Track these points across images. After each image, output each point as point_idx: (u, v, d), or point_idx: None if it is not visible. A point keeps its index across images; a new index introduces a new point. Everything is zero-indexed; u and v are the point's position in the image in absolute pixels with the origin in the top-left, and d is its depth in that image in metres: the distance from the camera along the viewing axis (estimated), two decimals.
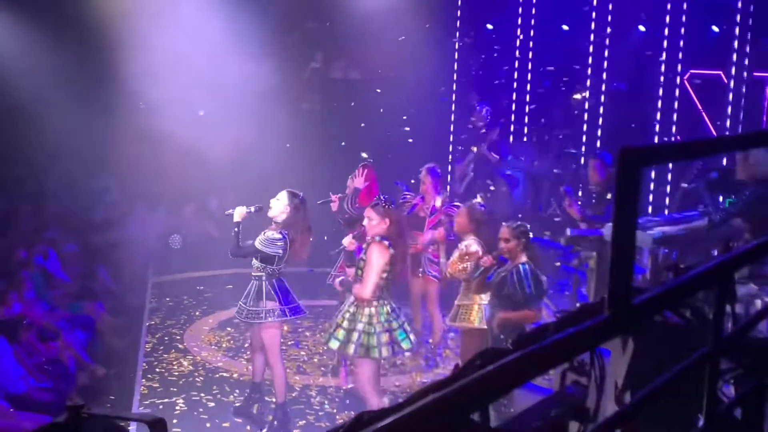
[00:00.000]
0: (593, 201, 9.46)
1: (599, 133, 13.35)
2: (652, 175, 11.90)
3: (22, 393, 7.48)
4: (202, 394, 8.19)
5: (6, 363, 7.55)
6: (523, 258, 6.69)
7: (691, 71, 11.92)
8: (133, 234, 12.89)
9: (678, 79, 12.02)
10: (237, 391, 8.19)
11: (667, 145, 1.92)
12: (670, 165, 11.16)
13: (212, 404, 7.99)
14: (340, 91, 15.50)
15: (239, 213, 7.29)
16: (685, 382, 1.99)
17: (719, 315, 2.08)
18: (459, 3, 15.10)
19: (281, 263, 7.24)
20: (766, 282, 6.96)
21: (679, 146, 1.98)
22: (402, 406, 1.36)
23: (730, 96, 11.28)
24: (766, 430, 2.50)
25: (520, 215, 11.51)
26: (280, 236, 7.14)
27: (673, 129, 12.06)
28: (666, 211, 10.94)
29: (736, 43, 11.25)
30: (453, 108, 15.11)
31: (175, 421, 7.50)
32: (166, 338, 9.74)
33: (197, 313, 10.63)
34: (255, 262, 7.27)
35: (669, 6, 12.02)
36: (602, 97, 13.27)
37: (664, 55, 12.16)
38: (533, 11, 14.47)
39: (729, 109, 11.29)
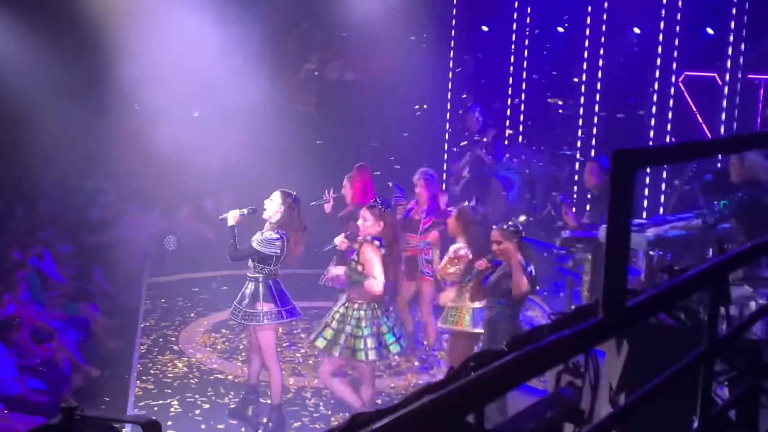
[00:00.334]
0: (588, 206, 9.47)
1: (594, 134, 13.39)
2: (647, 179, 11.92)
3: (16, 394, 7.46)
4: (197, 396, 8.18)
5: (0, 364, 7.54)
6: (519, 257, 6.67)
7: (686, 73, 11.94)
8: (128, 235, 12.88)
9: (673, 81, 12.04)
10: (232, 392, 8.18)
11: (662, 147, 1.92)
12: (665, 167, 11.19)
13: (207, 406, 7.98)
14: (335, 92, 15.51)
15: (233, 217, 7.28)
16: (679, 384, 2.00)
17: (713, 317, 2.09)
18: (455, 4, 15.11)
19: (278, 264, 7.23)
20: (760, 284, 6.98)
21: (673, 148, 1.99)
22: (397, 407, 1.37)
23: (725, 98, 11.31)
24: (761, 431, 2.51)
25: (514, 218, 11.53)
26: (277, 236, 7.13)
27: (668, 131, 12.08)
28: (661, 212, 10.95)
29: (730, 46, 11.28)
30: (448, 108, 15.12)
31: (169, 423, 7.48)
32: (161, 340, 9.73)
33: (192, 315, 10.61)
34: (251, 263, 7.25)
35: (664, 8, 12.05)
36: (597, 96, 13.30)
37: (658, 57, 12.18)
38: (528, 13, 14.50)
39: (723, 111, 11.32)
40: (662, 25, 12.09)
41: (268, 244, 7.12)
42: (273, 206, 7.22)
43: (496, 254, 6.74)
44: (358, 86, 15.34)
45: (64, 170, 14.28)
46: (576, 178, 13.40)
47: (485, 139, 12.50)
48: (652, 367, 2.05)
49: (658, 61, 12.17)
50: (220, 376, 8.70)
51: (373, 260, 6.75)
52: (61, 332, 8.86)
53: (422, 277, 8.92)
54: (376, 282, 6.74)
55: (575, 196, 13.35)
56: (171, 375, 8.70)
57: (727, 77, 11.32)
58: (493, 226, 6.90)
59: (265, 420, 7.35)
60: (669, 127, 12.05)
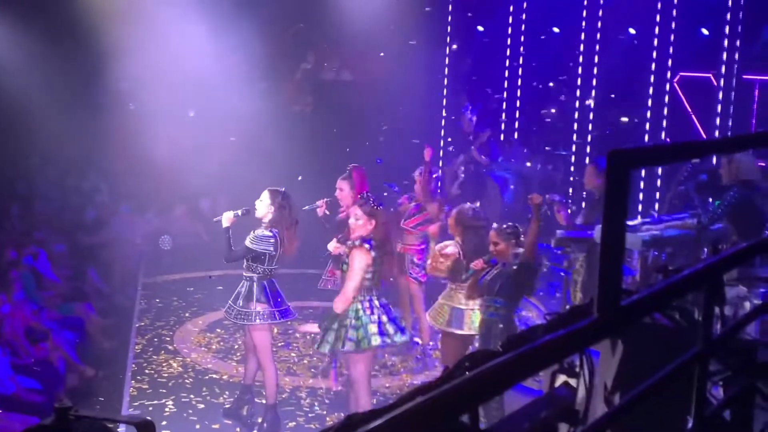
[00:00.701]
0: (583, 206, 9.45)
1: (589, 135, 13.40)
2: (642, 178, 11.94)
3: (10, 394, 7.44)
4: (192, 396, 8.17)
5: None
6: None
7: (681, 74, 11.95)
8: (123, 235, 12.87)
9: (668, 81, 12.06)
10: (227, 392, 8.17)
11: (657, 147, 1.93)
12: (659, 167, 11.21)
13: (202, 406, 7.97)
14: (331, 92, 15.50)
15: (227, 218, 7.26)
16: (674, 384, 2.00)
17: (708, 317, 2.09)
18: (450, 5, 15.12)
19: (273, 263, 7.20)
20: (755, 284, 6.98)
21: (668, 149, 1.99)
22: (392, 407, 1.36)
23: (720, 98, 11.32)
24: (755, 431, 2.51)
25: (510, 219, 11.53)
26: (270, 234, 7.11)
27: (663, 131, 12.09)
28: (655, 213, 10.96)
29: (725, 46, 11.29)
30: (444, 108, 15.12)
31: (164, 422, 7.48)
32: (156, 340, 9.72)
33: (187, 315, 10.60)
34: (245, 263, 7.24)
35: (659, 9, 12.06)
36: (594, 94, 13.31)
37: (654, 57, 12.20)
38: (523, 14, 14.51)
39: (718, 112, 11.33)
40: (657, 26, 12.11)
41: (260, 241, 7.09)
42: (263, 206, 7.21)
43: (494, 255, 6.71)
44: (354, 86, 15.33)
45: (59, 170, 14.26)
46: (572, 179, 13.41)
47: (481, 140, 12.50)
48: (647, 367, 2.05)
49: (654, 63, 12.19)
50: (215, 375, 8.70)
51: (353, 270, 6.61)
52: (56, 332, 8.84)
53: (406, 277, 8.93)
54: (342, 296, 6.64)
55: (570, 196, 13.36)
56: (166, 375, 8.70)
57: (723, 77, 11.34)
58: (492, 226, 6.88)
59: (260, 420, 7.33)
60: (664, 125, 12.06)
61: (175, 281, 12.07)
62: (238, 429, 7.48)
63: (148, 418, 2.09)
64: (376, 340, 6.64)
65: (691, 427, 2.15)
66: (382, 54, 14.66)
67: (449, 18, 15.19)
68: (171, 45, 12.66)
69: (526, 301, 8.71)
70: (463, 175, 12.61)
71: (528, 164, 13.84)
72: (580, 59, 13.52)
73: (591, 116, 13.34)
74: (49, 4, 13.13)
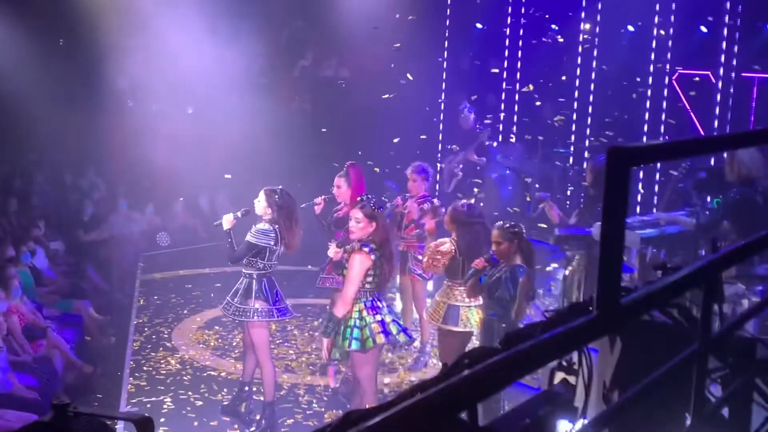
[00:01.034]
0: (582, 204, 9.42)
1: (588, 131, 13.40)
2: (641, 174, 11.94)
3: (8, 391, 7.44)
4: (190, 393, 8.17)
5: None
6: (518, 260, 6.57)
7: (680, 71, 11.95)
8: (121, 232, 12.88)
9: (666, 79, 12.06)
10: (225, 389, 8.18)
11: (657, 144, 1.93)
12: (658, 165, 11.20)
13: (200, 403, 7.98)
14: (329, 89, 15.49)
15: (227, 221, 7.25)
16: (672, 381, 2.00)
17: (707, 314, 2.09)
18: (449, 1, 15.11)
19: (272, 258, 7.19)
20: (753, 281, 6.98)
21: (667, 146, 1.98)
22: (390, 404, 1.36)
23: (719, 96, 11.33)
24: (753, 428, 2.51)
25: (508, 218, 11.52)
26: (270, 228, 7.11)
27: (662, 129, 12.09)
28: (654, 210, 10.96)
29: (724, 44, 11.29)
30: (442, 107, 15.11)
31: (162, 419, 7.48)
32: (154, 337, 9.72)
33: (185, 312, 10.60)
34: (245, 258, 7.22)
35: (657, 6, 12.06)
36: (591, 92, 13.31)
37: (652, 55, 12.20)
38: (522, 10, 14.49)
39: (717, 109, 11.34)
40: (656, 23, 12.11)
41: (261, 235, 7.09)
42: (261, 206, 7.20)
43: (496, 254, 6.67)
44: (353, 84, 15.32)
45: (57, 167, 14.28)
46: (570, 174, 13.41)
47: (480, 140, 12.48)
48: (646, 365, 2.05)
49: (652, 60, 12.19)
50: (213, 373, 8.70)
51: (352, 275, 6.56)
52: (54, 329, 8.84)
53: (411, 275, 8.90)
54: (341, 302, 6.62)
55: (569, 194, 13.36)
56: (164, 372, 8.70)
57: (721, 75, 11.34)
58: (495, 225, 6.84)
59: (258, 417, 7.34)
60: (663, 125, 12.06)
61: (173, 278, 12.08)
62: (236, 426, 7.48)
63: (147, 414, 2.08)
64: (380, 339, 6.62)
65: (690, 424, 2.16)
66: (379, 51, 14.63)
67: (447, 14, 15.17)
68: (169, 43, 12.65)
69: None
70: (461, 174, 12.60)
71: (531, 161, 13.81)
72: (579, 57, 13.51)
73: (590, 107, 13.33)
74: (48, 2, 13.14)
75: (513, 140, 14.42)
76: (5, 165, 13.51)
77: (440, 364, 7.82)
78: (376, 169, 12.34)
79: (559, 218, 8.81)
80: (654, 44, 12.21)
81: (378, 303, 6.71)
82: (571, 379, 2.40)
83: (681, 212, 8.55)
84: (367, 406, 6.44)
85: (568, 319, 1.72)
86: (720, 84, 11.33)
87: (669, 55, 12.03)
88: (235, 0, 13.62)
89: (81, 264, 11.53)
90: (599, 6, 13.13)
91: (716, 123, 11.33)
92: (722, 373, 2.52)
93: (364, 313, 6.63)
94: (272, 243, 7.11)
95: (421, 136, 14.23)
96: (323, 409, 7.86)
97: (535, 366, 1.51)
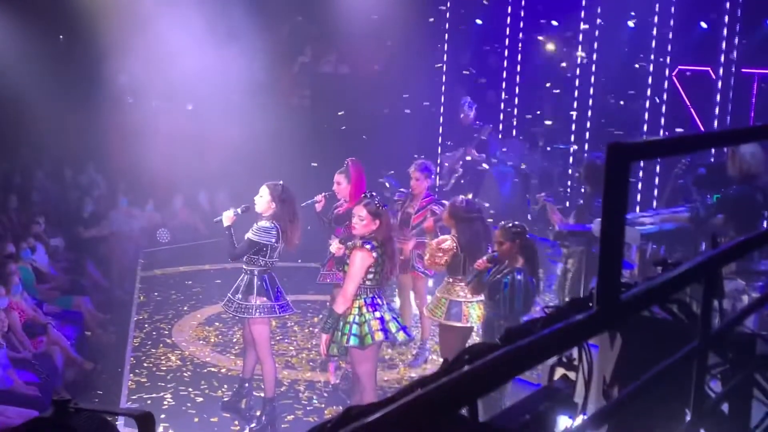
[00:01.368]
0: (580, 202, 9.39)
1: (588, 127, 13.40)
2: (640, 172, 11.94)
3: (9, 387, 7.45)
4: (190, 389, 8.18)
5: None
6: (520, 261, 6.50)
7: (680, 67, 11.94)
8: (121, 228, 12.88)
9: (667, 74, 12.05)
10: (225, 385, 8.19)
11: (656, 141, 1.93)
12: (658, 161, 11.20)
13: (200, 399, 7.99)
14: (329, 85, 15.49)
15: (227, 217, 7.23)
16: (672, 377, 2.00)
17: (707, 310, 2.09)
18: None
19: (274, 255, 7.19)
20: (753, 277, 6.99)
21: (667, 142, 1.98)
22: (390, 400, 1.36)
23: (719, 92, 11.32)
24: (753, 424, 2.52)
25: (509, 213, 11.54)
26: (271, 225, 7.10)
27: (662, 124, 12.09)
28: (654, 207, 10.96)
29: (724, 40, 11.28)
30: (442, 102, 15.11)
31: (163, 416, 7.49)
32: (154, 333, 9.73)
33: (185, 308, 10.61)
34: (247, 255, 7.22)
35: (658, 2, 12.05)
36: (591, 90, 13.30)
37: (652, 51, 12.19)
38: (522, 6, 14.49)
39: (717, 105, 11.33)
40: (656, 19, 12.10)
41: (263, 233, 7.09)
42: (263, 202, 7.18)
43: (498, 253, 6.64)
44: (352, 79, 15.32)
45: (57, 164, 14.28)
46: (570, 171, 13.41)
47: (481, 136, 12.46)
48: (646, 361, 2.05)
49: (652, 56, 12.18)
50: (213, 369, 8.71)
51: (353, 271, 6.56)
52: (54, 325, 8.85)
53: (414, 273, 8.89)
54: (341, 298, 6.62)
55: (569, 191, 13.36)
56: (164, 368, 8.70)
57: (721, 71, 11.33)
58: (499, 224, 6.82)
59: (258, 413, 7.34)
60: (663, 118, 12.06)
61: (174, 275, 12.08)
62: (236, 422, 7.49)
63: (148, 410, 2.09)
64: (379, 336, 6.62)
65: (690, 420, 2.16)
66: (379, 47, 14.63)
67: (447, 10, 15.16)
68: (169, 39, 12.63)
69: None
70: (461, 170, 12.59)
71: (532, 158, 13.81)
72: (579, 53, 13.50)
73: (590, 104, 13.33)
74: None
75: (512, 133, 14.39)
76: (5, 162, 13.52)
77: (441, 360, 7.83)
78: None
79: (559, 221, 8.81)
80: (654, 40, 12.19)
81: (378, 300, 6.70)
82: (571, 375, 2.40)
83: (681, 208, 8.56)
84: (367, 402, 6.43)
85: (568, 315, 1.72)
86: (720, 80, 11.32)
87: (669, 50, 12.01)
88: None
89: (81, 260, 11.54)
90: (598, 2, 13.12)
91: (716, 119, 11.32)
92: (722, 369, 2.52)
93: (364, 309, 6.63)
94: (273, 240, 7.11)
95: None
96: (323, 405, 7.86)
97: (535, 362, 1.51)
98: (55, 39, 14.37)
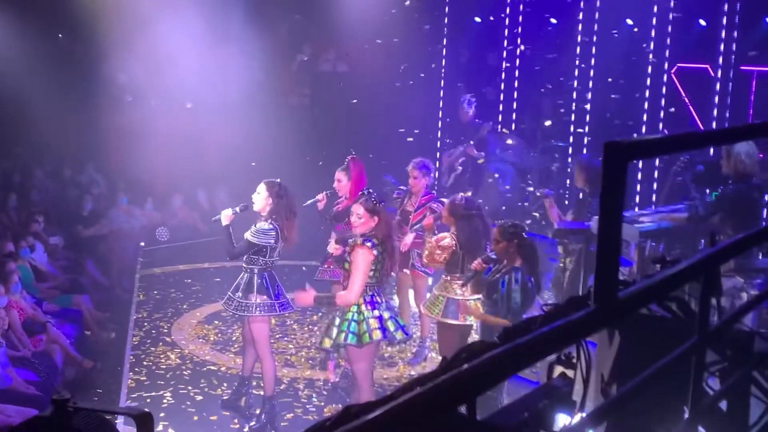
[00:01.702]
0: (580, 197, 9.37)
1: (587, 121, 13.40)
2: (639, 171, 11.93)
3: (8, 386, 7.45)
4: (190, 388, 8.19)
5: None
6: (518, 261, 6.47)
7: (678, 65, 11.94)
8: (120, 227, 12.88)
9: (665, 72, 12.05)
10: (225, 384, 8.19)
11: (654, 139, 1.93)
12: (657, 159, 11.20)
13: (200, 397, 7.99)
14: (328, 83, 15.49)
15: (226, 216, 7.23)
16: (671, 375, 2.00)
17: (705, 308, 2.09)
18: None
19: (273, 255, 7.19)
20: (751, 275, 6.99)
21: (665, 140, 1.98)
22: (389, 398, 1.37)
23: (717, 89, 11.32)
24: (751, 421, 2.52)
25: (507, 210, 11.54)
26: (270, 226, 7.10)
27: (660, 121, 12.09)
28: (653, 205, 10.97)
29: (723, 37, 11.28)
30: (441, 99, 15.11)
31: (162, 414, 7.50)
32: (154, 331, 9.73)
33: (185, 307, 10.61)
34: (246, 255, 7.21)
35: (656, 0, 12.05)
36: (590, 84, 13.30)
37: (651, 48, 12.19)
38: (521, 3, 14.48)
39: (716, 103, 11.33)
40: (655, 17, 12.10)
41: (262, 235, 7.09)
42: (261, 199, 7.17)
43: (496, 252, 6.63)
44: (351, 78, 15.32)
45: (56, 162, 14.28)
46: (569, 170, 13.41)
47: (481, 134, 12.45)
48: (644, 358, 2.06)
49: (651, 54, 12.18)
50: (212, 367, 8.71)
51: (358, 269, 6.54)
52: (54, 324, 8.85)
53: (414, 271, 8.88)
54: (348, 294, 6.62)
55: (567, 188, 13.36)
56: (164, 366, 8.71)
57: (720, 68, 11.33)
58: (496, 223, 6.81)
59: (258, 411, 7.35)
60: (661, 119, 12.06)
61: (173, 273, 12.08)
62: (236, 420, 7.49)
63: (146, 409, 2.09)
64: (377, 335, 6.61)
65: (688, 417, 2.16)
66: (377, 45, 14.62)
67: (446, 8, 15.16)
68: (168, 38, 12.63)
69: None
70: (461, 168, 12.59)
71: (530, 155, 13.81)
72: (577, 50, 13.50)
73: (589, 101, 13.33)
74: None
75: (507, 133, 14.35)
76: (5, 160, 13.52)
77: (440, 358, 7.83)
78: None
79: (558, 218, 8.80)
80: (653, 37, 12.19)
81: (377, 299, 6.70)
82: (570, 373, 2.41)
83: (680, 205, 8.56)
84: (364, 400, 6.43)
85: (566, 312, 1.73)
86: (719, 77, 11.31)
87: (668, 46, 12.00)
88: None
89: (80, 259, 11.54)
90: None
91: (715, 116, 11.32)
92: (720, 367, 2.53)
93: (363, 307, 6.63)
94: (273, 242, 7.12)
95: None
96: (323, 404, 7.87)
97: (533, 360, 1.52)
98: (55, 38, 14.37)
